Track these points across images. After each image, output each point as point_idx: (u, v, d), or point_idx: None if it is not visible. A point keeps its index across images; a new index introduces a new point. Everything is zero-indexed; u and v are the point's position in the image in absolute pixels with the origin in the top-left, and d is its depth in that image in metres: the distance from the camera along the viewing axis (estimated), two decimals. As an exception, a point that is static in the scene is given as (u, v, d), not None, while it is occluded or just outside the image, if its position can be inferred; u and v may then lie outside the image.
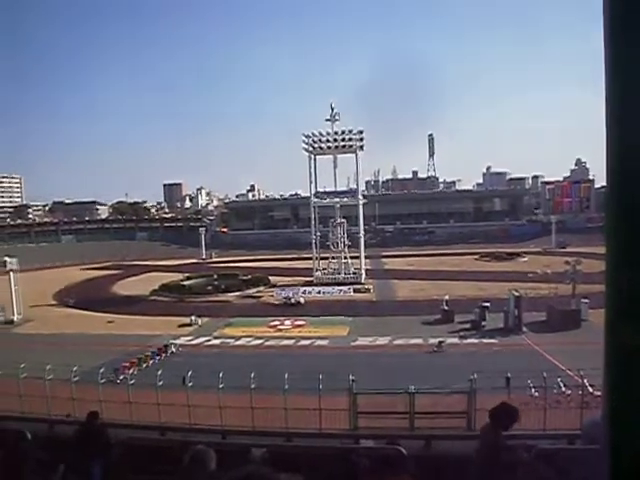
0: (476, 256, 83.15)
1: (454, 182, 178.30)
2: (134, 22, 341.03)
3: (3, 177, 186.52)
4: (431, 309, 44.55)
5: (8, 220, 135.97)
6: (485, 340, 36.70)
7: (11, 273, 52.28)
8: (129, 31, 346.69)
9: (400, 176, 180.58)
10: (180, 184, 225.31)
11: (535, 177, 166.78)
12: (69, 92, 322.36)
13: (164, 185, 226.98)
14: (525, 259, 78.66)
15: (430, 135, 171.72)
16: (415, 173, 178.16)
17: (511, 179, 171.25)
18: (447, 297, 45.27)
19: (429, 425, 18.07)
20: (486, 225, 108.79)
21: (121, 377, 28.84)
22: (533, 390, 21.19)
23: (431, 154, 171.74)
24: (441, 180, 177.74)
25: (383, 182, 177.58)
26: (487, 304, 41.66)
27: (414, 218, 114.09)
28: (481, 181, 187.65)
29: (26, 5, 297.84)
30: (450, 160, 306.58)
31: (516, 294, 39.55)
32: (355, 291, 58.02)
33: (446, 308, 43.26)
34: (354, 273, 64.68)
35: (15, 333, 46.62)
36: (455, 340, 36.77)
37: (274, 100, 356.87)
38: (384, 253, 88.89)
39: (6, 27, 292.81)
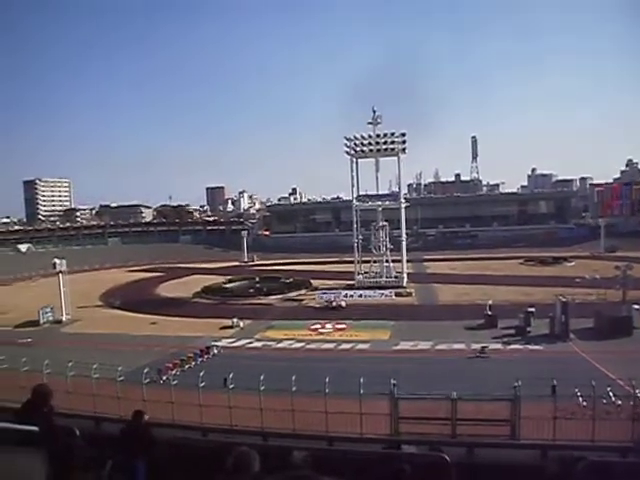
0: (520, 260, 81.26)
1: (498, 185, 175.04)
2: (185, 23, 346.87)
3: (53, 181, 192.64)
4: (474, 314, 43.70)
5: (57, 223, 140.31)
6: (530, 346, 35.86)
7: (60, 275, 53.92)
8: (171, 31, 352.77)
9: (443, 179, 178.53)
10: (223, 187, 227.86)
11: (583, 179, 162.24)
12: (117, 98, 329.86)
13: (207, 188, 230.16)
14: (572, 263, 76.36)
15: (473, 137, 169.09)
16: (458, 176, 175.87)
17: (558, 181, 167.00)
18: (490, 302, 44.46)
19: (471, 432, 17.77)
20: (531, 229, 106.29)
21: (164, 378, 29.31)
22: (581, 399, 20.41)
23: (474, 156, 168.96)
24: (484, 183, 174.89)
25: (425, 185, 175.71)
26: (532, 309, 40.74)
27: (457, 221, 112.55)
28: (526, 183, 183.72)
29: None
30: (494, 162, 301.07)
31: (563, 299, 38.37)
32: (397, 295, 57.66)
33: (489, 313, 42.48)
34: (396, 277, 64.19)
35: (63, 332, 47.99)
36: (498, 346, 36.09)
37: (317, 102, 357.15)
38: (426, 257, 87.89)
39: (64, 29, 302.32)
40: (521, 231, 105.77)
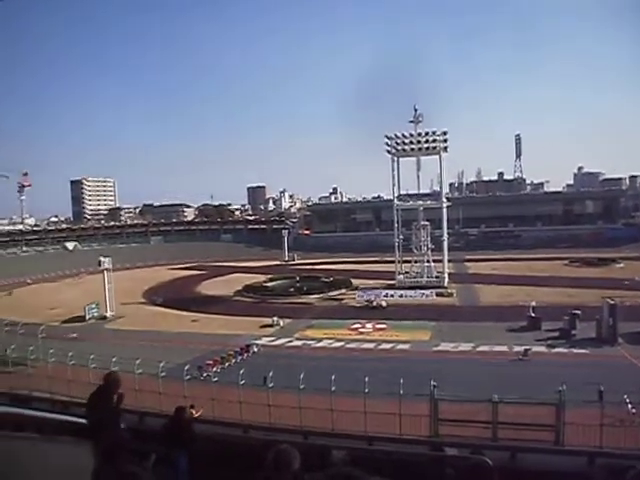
0: (565, 261, 78.85)
1: (542, 183, 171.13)
2: (218, 23, 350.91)
3: (98, 181, 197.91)
4: (517, 316, 42.72)
5: (102, 222, 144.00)
6: (575, 350, 34.83)
7: (105, 272, 55.34)
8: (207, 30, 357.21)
9: (485, 178, 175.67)
10: (264, 187, 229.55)
11: (633, 177, 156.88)
12: (158, 101, 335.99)
13: (248, 188, 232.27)
14: (621, 265, 73.83)
15: (517, 135, 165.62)
16: (501, 175, 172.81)
17: (605, 179, 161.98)
18: (534, 303, 43.52)
19: (513, 436, 17.40)
20: (577, 229, 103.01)
21: (205, 374, 29.70)
22: (630, 406, 19.67)
23: (518, 155, 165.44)
24: (528, 182, 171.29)
25: (467, 184, 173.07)
26: (577, 312, 39.60)
27: (499, 221, 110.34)
28: (572, 182, 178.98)
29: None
30: (539, 161, 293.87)
31: (611, 302, 37.10)
32: (438, 295, 57.05)
33: (533, 315, 41.53)
34: (437, 277, 63.51)
35: (107, 328, 49.21)
36: (542, 349, 35.22)
37: (356, 101, 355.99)
38: (468, 257, 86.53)
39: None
40: (566, 231, 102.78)
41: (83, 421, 6.47)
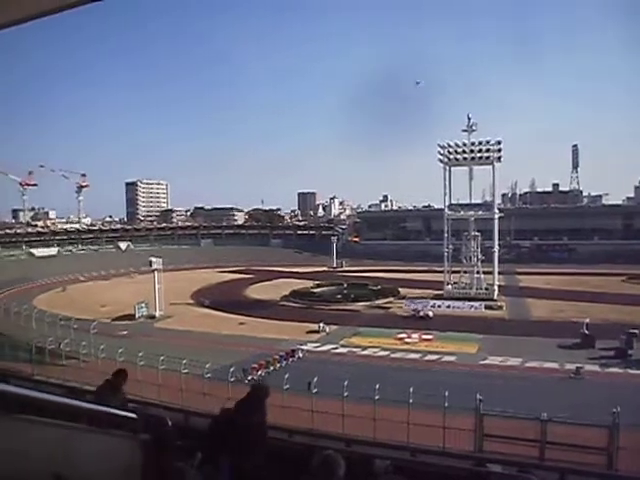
0: (623, 277, 75.71)
1: (600, 196, 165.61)
2: (276, 21, 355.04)
3: (152, 183, 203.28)
4: (569, 332, 41.31)
5: (155, 223, 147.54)
6: (632, 371, 33.35)
7: (155, 272, 56.68)
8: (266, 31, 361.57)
9: (539, 189, 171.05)
10: (314, 193, 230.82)
11: None
12: (212, 107, 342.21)
13: (299, 194, 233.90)
14: (683, 283, 70.57)
15: (574, 146, 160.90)
16: (556, 186, 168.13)
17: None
18: (588, 320, 42.03)
19: (562, 457, 16.81)
20: (637, 244, 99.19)
21: (249, 377, 29.94)
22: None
23: (575, 166, 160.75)
24: (585, 194, 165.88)
25: (520, 195, 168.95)
26: (635, 331, 38.05)
27: (553, 234, 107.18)
28: (632, 195, 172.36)
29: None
30: (597, 173, 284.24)
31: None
32: (487, 308, 55.93)
33: (586, 332, 40.06)
34: (486, 289, 62.31)
35: (156, 327, 50.32)
36: (595, 368, 33.89)
37: (409, 109, 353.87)
38: (519, 270, 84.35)
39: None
40: (625, 246, 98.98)
41: (133, 415, 6.63)
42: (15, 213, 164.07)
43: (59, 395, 8.58)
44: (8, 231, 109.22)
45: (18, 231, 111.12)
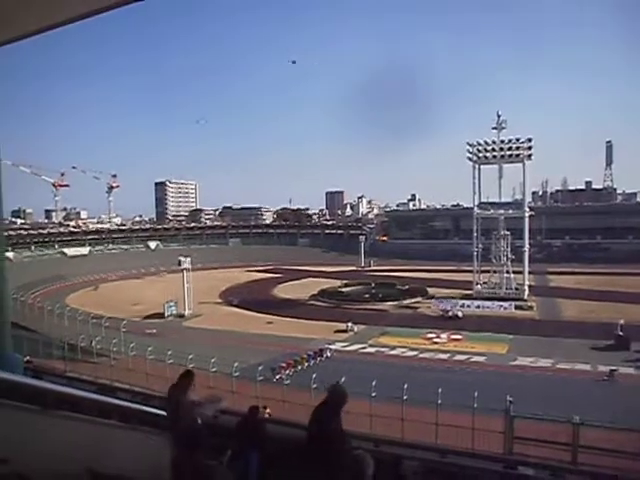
0: (659, 278, 74.10)
1: (635, 194, 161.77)
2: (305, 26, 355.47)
3: (181, 183, 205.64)
4: (602, 333, 40.41)
5: (183, 223, 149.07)
6: (668, 374, 32.56)
7: (184, 271, 57.33)
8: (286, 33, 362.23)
9: (571, 187, 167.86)
10: (342, 192, 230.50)
11: None
12: (238, 108, 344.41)
13: (326, 193, 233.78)
14: None
15: (608, 142, 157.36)
16: (589, 183, 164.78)
17: None
18: (622, 322, 41.10)
19: (596, 462, 16.45)
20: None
21: (277, 376, 30.06)
22: None
23: (609, 163, 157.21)
24: (619, 191, 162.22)
25: (551, 193, 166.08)
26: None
27: (586, 233, 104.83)
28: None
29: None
30: (633, 169, 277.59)
31: None
32: (517, 308, 55.19)
33: (620, 334, 39.16)
34: (516, 289, 61.43)
35: (185, 326, 50.94)
36: (630, 370, 33.12)
37: (439, 107, 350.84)
38: (550, 269, 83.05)
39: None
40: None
41: (163, 413, 6.72)
42: (48, 213, 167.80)
43: (91, 392, 8.76)
44: (41, 231, 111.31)
45: (51, 231, 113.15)
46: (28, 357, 21.26)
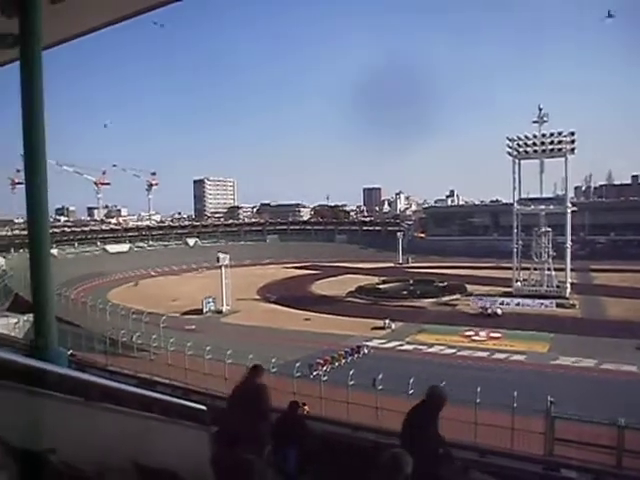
0: None
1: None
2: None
3: (219, 181, 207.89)
4: (650, 333, 39.30)
5: (222, 219, 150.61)
6: None
7: (222, 268, 57.95)
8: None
9: (616, 181, 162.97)
10: (379, 189, 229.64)
11: None
12: (275, 106, 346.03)
13: (364, 189, 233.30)
14: None
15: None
16: (635, 178, 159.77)
17: None
18: (670, 321, 39.91)
19: (641, 466, 15.99)
20: None
21: (314, 373, 30.12)
22: None
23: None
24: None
25: (595, 188, 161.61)
26: None
27: (633, 229, 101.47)
28: None
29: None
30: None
31: None
32: (558, 306, 54.01)
33: (669, 334, 38.04)
34: (558, 286, 60.14)
35: (223, 322, 51.52)
36: (679, 373, 32.07)
37: (476, 100, 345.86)
38: (593, 267, 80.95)
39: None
40: None
41: (202, 407, 6.81)
42: (90, 211, 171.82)
43: (132, 385, 8.92)
44: (84, 228, 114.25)
45: (93, 228, 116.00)
46: (72, 351, 21.79)
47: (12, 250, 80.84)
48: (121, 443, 4.41)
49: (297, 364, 27.14)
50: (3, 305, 48.51)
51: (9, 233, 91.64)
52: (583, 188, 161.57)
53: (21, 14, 4.64)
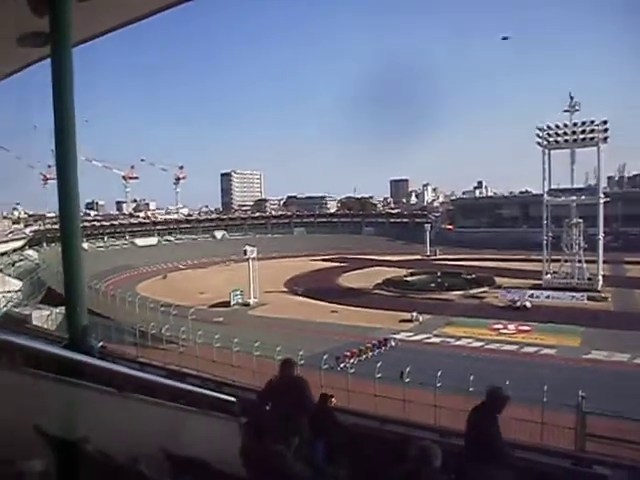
0: None
1: None
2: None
3: (246, 174, 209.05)
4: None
5: (249, 212, 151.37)
6: None
7: (250, 261, 58.32)
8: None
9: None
10: (407, 180, 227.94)
11: None
12: (301, 96, 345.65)
13: (391, 181, 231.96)
14: None
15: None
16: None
17: None
18: None
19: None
20: None
21: (341, 365, 30.19)
22: None
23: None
24: None
25: (629, 178, 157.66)
26: None
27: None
28: None
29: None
30: None
31: None
32: (589, 299, 53.01)
33: None
34: (589, 279, 59.00)
35: (250, 315, 51.85)
36: None
37: (506, 90, 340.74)
38: (627, 259, 79.15)
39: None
40: None
41: (232, 399, 6.89)
42: (119, 205, 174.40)
43: (161, 376, 9.07)
44: (113, 222, 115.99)
45: (122, 222, 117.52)
46: (102, 342, 22.20)
47: (44, 244, 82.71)
48: (153, 433, 4.52)
49: (324, 356, 27.19)
50: (36, 298, 49.63)
51: (41, 227, 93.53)
52: (616, 178, 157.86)
53: (51, 12, 4.73)
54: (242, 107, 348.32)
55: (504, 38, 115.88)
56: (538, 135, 61.78)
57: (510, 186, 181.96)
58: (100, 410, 4.37)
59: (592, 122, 58.79)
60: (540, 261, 63.38)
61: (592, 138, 58.86)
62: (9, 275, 55.24)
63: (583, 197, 62.47)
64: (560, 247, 61.77)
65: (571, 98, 60.22)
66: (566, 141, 60.44)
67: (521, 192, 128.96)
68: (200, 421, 5.48)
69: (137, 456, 3.07)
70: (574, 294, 54.15)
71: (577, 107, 59.99)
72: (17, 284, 51.57)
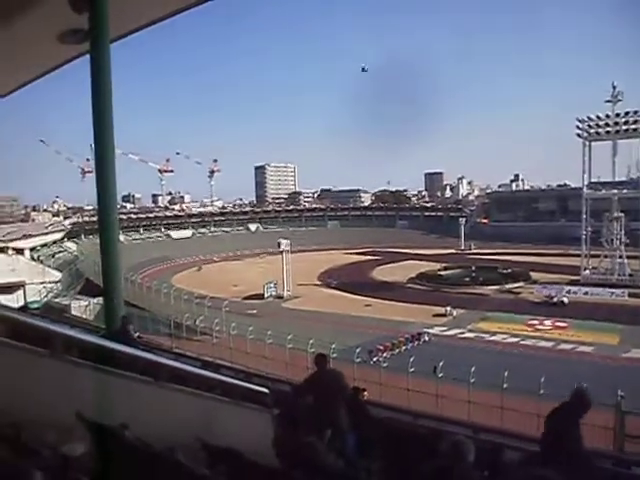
0: None
1: None
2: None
3: (280, 166, 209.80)
4: None
5: (283, 205, 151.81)
6: None
7: (283, 253, 58.59)
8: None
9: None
10: (441, 173, 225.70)
11: None
12: (337, 90, 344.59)
13: (425, 174, 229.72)
14: None
15: None
16: None
17: None
18: None
19: None
20: None
21: (374, 359, 30.15)
22: None
23: None
24: None
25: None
26: None
27: None
28: None
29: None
30: None
31: None
32: (630, 295, 51.52)
33: None
34: (631, 275, 57.40)
35: (284, 307, 52.06)
36: None
37: (542, 82, 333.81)
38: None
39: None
40: None
41: (265, 390, 6.97)
42: (155, 198, 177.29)
43: (196, 367, 9.22)
44: (149, 215, 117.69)
45: (157, 215, 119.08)
46: (138, 333, 22.64)
47: (82, 236, 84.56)
48: (188, 422, 4.62)
49: (357, 350, 27.22)
50: (75, 288, 50.82)
51: (80, 220, 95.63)
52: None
53: (90, 9, 4.82)
54: (276, 101, 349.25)
55: (363, 70, 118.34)
56: (578, 127, 60.19)
57: (548, 179, 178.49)
58: (137, 398, 4.49)
59: (636, 112, 57.00)
60: (578, 256, 61.96)
61: (635, 129, 57.08)
62: (49, 266, 56.66)
63: (625, 190, 60.88)
64: (599, 242, 60.22)
65: (613, 88, 58.49)
66: (608, 132, 58.72)
67: (559, 185, 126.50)
68: (233, 411, 5.56)
69: (174, 445, 3.14)
70: (614, 290, 52.72)
71: (620, 97, 58.27)
72: (57, 275, 52.96)
